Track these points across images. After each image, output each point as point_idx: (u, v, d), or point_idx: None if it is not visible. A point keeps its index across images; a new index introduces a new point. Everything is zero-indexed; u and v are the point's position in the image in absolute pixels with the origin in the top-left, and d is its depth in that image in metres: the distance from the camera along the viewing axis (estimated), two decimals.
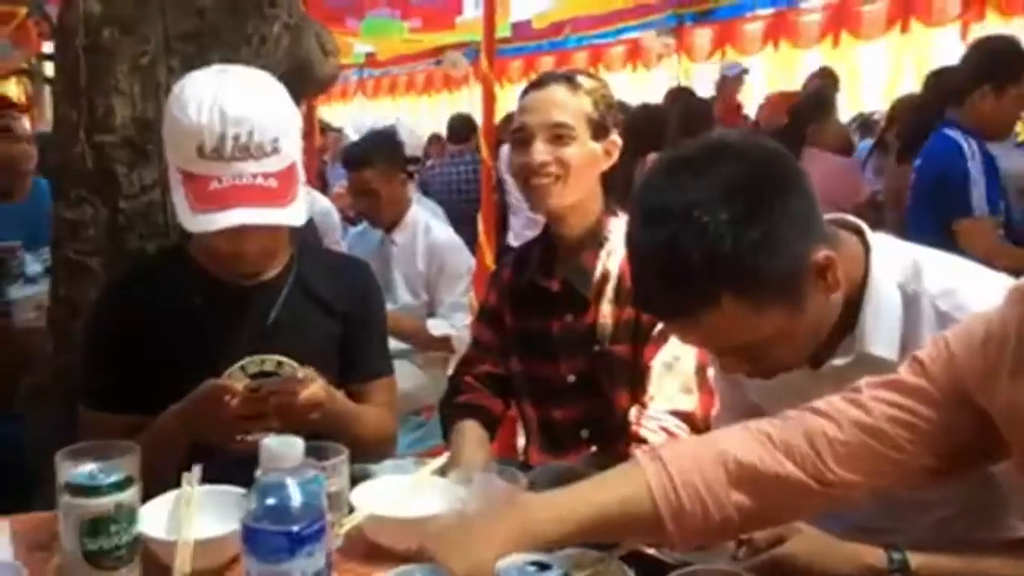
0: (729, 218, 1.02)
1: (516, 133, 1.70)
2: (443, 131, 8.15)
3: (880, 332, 1.15)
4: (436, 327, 3.10)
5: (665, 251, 1.04)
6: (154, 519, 1.17)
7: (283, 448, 0.94)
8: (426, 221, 3.25)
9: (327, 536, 0.96)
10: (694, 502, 0.97)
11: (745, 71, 7.08)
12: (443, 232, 3.25)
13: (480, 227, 4.34)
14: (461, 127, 6.11)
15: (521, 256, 1.88)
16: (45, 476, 1.81)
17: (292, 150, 1.48)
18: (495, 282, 1.91)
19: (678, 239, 1.03)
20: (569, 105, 1.67)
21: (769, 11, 8.05)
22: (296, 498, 0.93)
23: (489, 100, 4.49)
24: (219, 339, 1.56)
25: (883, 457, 0.97)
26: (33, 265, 2.79)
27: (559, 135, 1.65)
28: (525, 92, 1.76)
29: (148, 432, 1.47)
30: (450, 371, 3.21)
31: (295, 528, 0.91)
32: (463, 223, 3.43)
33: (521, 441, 2.84)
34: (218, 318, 1.57)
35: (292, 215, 1.44)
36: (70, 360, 1.76)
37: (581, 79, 1.73)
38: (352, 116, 6.21)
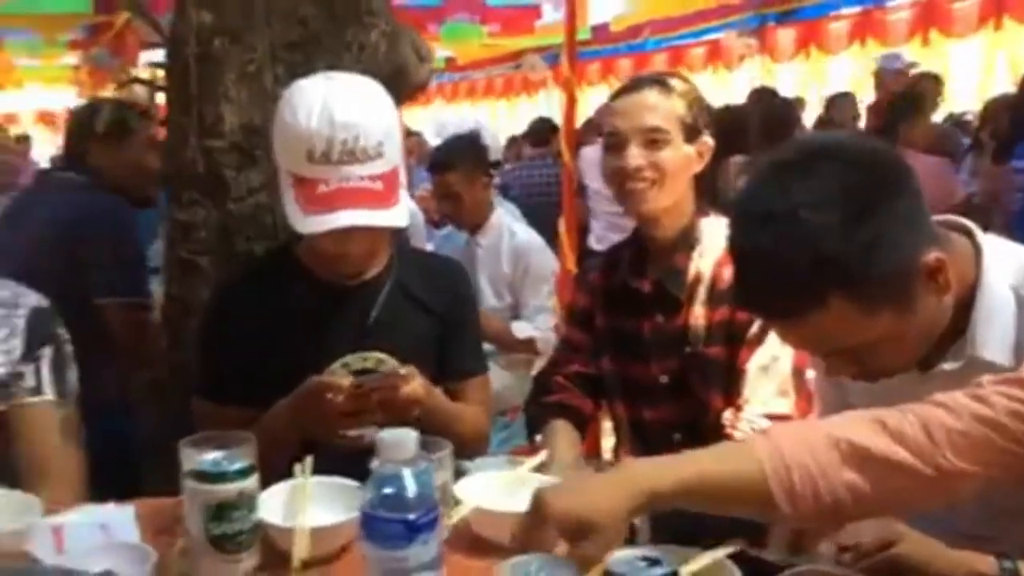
0: (838, 219, 1.02)
1: (610, 138, 1.72)
2: (521, 134, 8.21)
3: (992, 335, 1.13)
4: (520, 329, 3.13)
5: (771, 253, 1.05)
6: (270, 507, 1.23)
7: (399, 439, 0.98)
8: (510, 224, 3.28)
9: (440, 526, 1.00)
10: (805, 482, 0.98)
11: (912, 64, 6.30)
12: (527, 235, 3.28)
13: (561, 230, 4.36)
14: (542, 130, 6.14)
15: (611, 258, 1.89)
16: (156, 467, 1.91)
17: (395, 154, 1.53)
18: (584, 284, 1.93)
19: (785, 241, 1.04)
20: (662, 108, 1.68)
21: (855, 9, 7.88)
22: (411, 488, 0.96)
23: (571, 103, 4.51)
24: (323, 337, 1.62)
25: (1002, 450, 0.97)
26: None
27: (653, 139, 1.66)
28: (616, 96, 1.77)
29: (258, 426, 1.54)
30: (534, 372, 3.25)
31: (411, 516, 0.95)
32: (542, 226, 3.46)
33: (606, 442, 2.86)
34: (322, 316, 1.63)
35: (396, 217, 1.49)
36: (183, 356, 1.85)
37: (673, 81, 1.73)
38: (432, 120, 6.30)
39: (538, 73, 9.37)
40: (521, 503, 1.29)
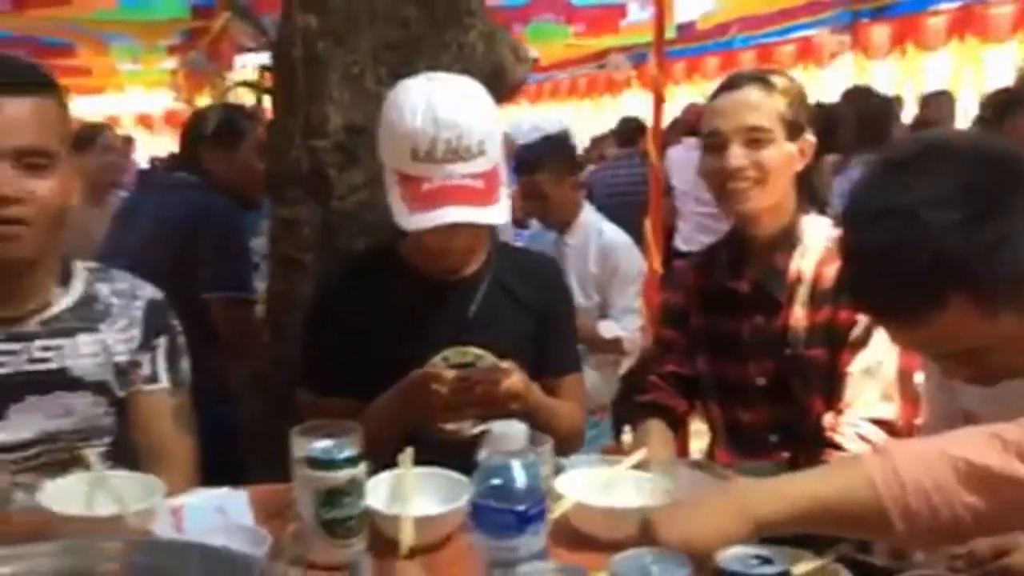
0: (959, 218, 1.00)
1: (710, 137, 1.70)
2: (605, 134, 8.17)
3: None
4: (607, 329, 3.13)
5: (889, 252, 1.03)
6: (376, 495, 1.26)
7: (509, 431, 1.00)
8: (599, 223, 3.28)
9: (547, 518, 1.01)
10: (920, 500, 0.96)
11: None
12: (616, 234, 3.27)
13: (648, 230, 4.33)
14: (628, 130, 6.11)
15: (707, 258, 1.88)
16: (258, 455, 1.98)
17: (495, 152, 1.56)
18: (678, 283, 1.92)
19: (903, 239, 1.02)
20: (764, 107, 1.66)
21: (954, 5, 7.60)
22: (521, 479, 0.98)
23: (658, 103, 4.47)
24: (423, 331, 1.65)
25: None
26: None
27: (755, 139, 1.64)
28: (716, 94, 1.75)
29: (362, 416, 1.58)
30: (621, 372, 3.25)
31: (521, 507, 0.97)
32: (625, 227, 3.45)
33: (694, 444, 2.84)
34: (422, 311, 1.67)
35: (497, 214, 1.52)
36: (286, 348, 1.91)
37: (774, 78, 1.71)
38: (515, 120, 6.34)
39: (622, 73, 9.32)
40: (620, 500, 1.31)
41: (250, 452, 2.06)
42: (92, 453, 1.36)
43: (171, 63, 9.86)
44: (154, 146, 11.43)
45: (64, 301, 1.48)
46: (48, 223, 1.38)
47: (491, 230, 1.74)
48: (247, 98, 2.93)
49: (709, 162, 1.70)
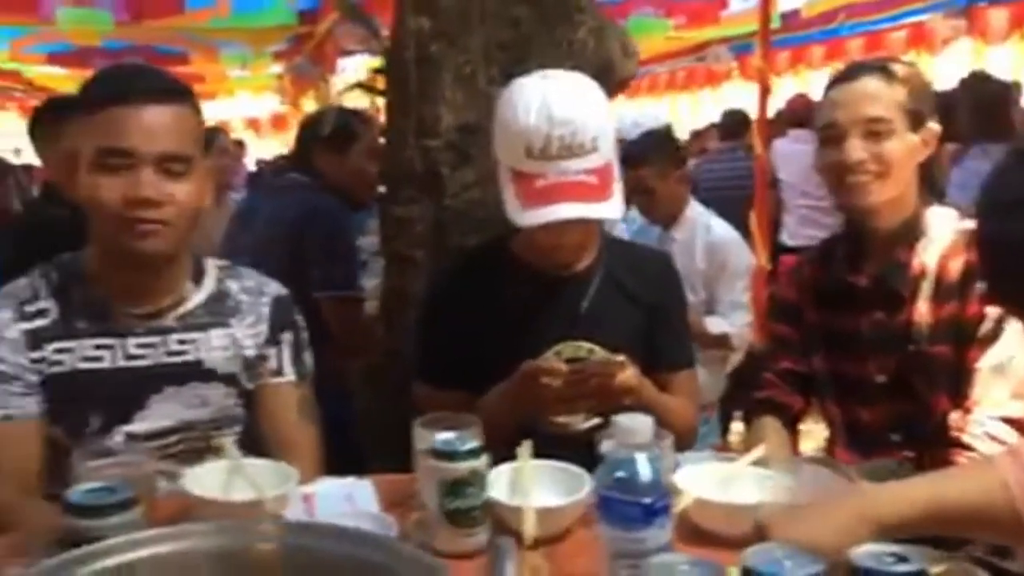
0: None
1: (827, 130, 1.66)
2: (706, 128, 8.03)
3: None
4: (715, 325, 3.09)
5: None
6: (497, 487, 1.28)
7: (635, 424, 1.00)
8: (707, 219, 3.24)
9: (672, 512, 1.01)
10: None
11: None
12: (724, 230, 3.22)
13: (753, 224, 4.25)
14: (733, 122, 6.00)
15: (823, 252, 1.83)
16: (373, 444, 2.03)
17: (609, 148, 1.56)
18: (792, 278, 1.88)
19: None
20: (884, 97, 1.61)
21: None
22: (646, 472, 0.99)
23: (764, 94, 4.38)
24: (535, 325, 1.68)
25: None
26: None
27: (875, 130, 1.60)
28: (832, 85, 1.71)
29: (475, 409, 1.61)
30: (728, 369, 3.20)
31: (647, 500, 0.97)
32: (729, 221, 3.39)
33: (804, 444, 2.77)
34: (534, 306, 1.69)
35: (611, 209, 1.53)
36: (399, 344, 1.96)
37: (895, 67, 1.66)
38: (617, 114, 6.28)
39: (722, 64, 9.15)
40: (740, 496, 1.30)
41: (366, 444, 2.12)
42: (228, 442, 1.42)
43: (277, 68, 10.19)
44: (262, 149, 11.83)
45: (197, 297, 1.56)
46: (185, 223, 1.46)
47: (602, 225, 1.75)
48: (360, 101, 3.01)
49: (826, 156, 1.66)
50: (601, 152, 1.54)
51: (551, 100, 1.52)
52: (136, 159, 1.39)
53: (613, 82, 2.08)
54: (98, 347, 1.48)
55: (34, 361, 1.44)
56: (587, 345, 1.65)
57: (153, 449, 1.42)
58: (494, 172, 1.63)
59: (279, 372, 1.62)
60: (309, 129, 2.82)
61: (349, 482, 1.35)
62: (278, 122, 12.14)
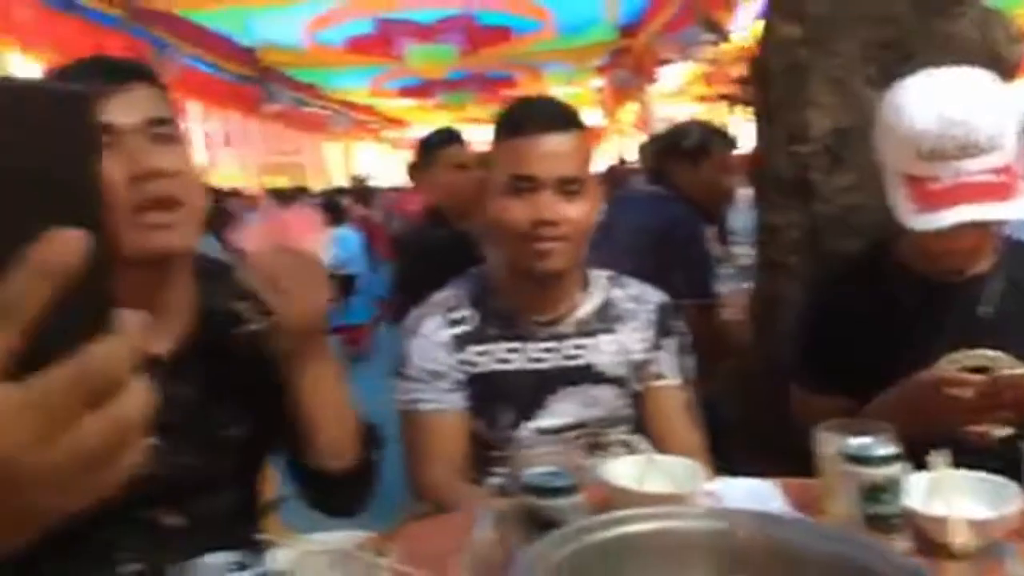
0: None
1: None
2: None
3: None
4: None
5: None
6: (913, 495, 1.25)
7: None
8: None
9: None
10: None
11: None
12: None
13: None
14: None
15: None
16: (740, 446, 2.06)
17: (1010, 144, 1.47)
18: None
19: None
20: None
21: None
22: None
23: None
24: (924, 332, 1.61)
25: None
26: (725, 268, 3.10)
27: None
28: None
29: (861, 415, 1.58)
30: None
31: None
32: None
33: None
34: (923, 313, 1.63)
35: (1012, 210, 1.44)
36: (771, 348, 1.98)
37: None
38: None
39: None
40: None
41: (737, 447, 2.16)
42: (636, 437, 1.54)
43: (598, 82, 10.57)
44: None
45: (587, 306, 1.70)
46: (579, 239, 1.60)
47: (999, 227, 1.65)
48: (677, 107, 3.07)
49: None
50: (1001, 150, 1.45)
51: (940, 99, 1.46)
52: (538, 183, 1.55)
53: (1002, 72, 1.94)
54: (508, 351, 1.67)
55: (460, 362, 1.65)
56: (989, 353, 1.56)
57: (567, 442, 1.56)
58: (872, 176, 1.60)
59: (664, 375, 1.71)
60: (669, 141, 2.92)
61: (753, 482, 1.39)
62: (596, 136, 12.58)
